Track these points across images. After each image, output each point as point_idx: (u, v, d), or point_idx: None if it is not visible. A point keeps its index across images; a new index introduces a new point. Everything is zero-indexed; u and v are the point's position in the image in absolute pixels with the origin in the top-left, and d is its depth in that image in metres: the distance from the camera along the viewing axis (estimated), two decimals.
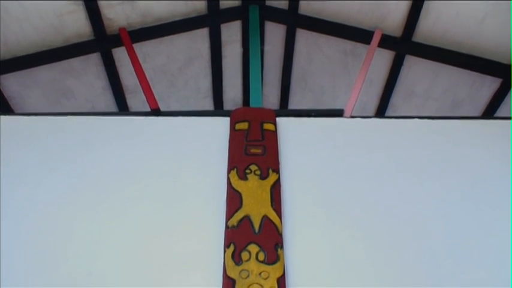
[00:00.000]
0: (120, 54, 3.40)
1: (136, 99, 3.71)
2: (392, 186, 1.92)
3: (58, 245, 1.71)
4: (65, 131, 2.12)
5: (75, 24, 3.13)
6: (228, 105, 4.08)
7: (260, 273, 1.57)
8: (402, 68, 3.53)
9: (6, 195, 1.84)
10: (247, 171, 1.86)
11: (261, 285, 1.54)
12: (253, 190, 1.80)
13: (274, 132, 2.04)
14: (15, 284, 1.59)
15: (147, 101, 2.52)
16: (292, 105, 4.08)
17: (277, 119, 2.14)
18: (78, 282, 1.61)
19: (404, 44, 3.40)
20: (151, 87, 2.71)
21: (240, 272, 1.57)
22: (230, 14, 3.58)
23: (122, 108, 3.70)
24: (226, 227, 1.70)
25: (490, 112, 3.46)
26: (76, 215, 1.80)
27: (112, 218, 1.79)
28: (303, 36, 3.68)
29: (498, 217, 1.84)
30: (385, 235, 1.76)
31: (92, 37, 3.25)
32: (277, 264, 1.60)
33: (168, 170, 1.94)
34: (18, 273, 1.63)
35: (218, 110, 3.98)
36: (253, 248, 1.63)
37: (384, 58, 3.50)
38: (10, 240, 1.71)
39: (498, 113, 3.42)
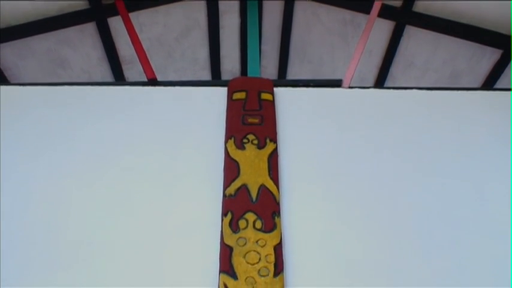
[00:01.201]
0: (116, 24, 3.34)
1: (133, 70, 3.67)
2: (389, 157, 1.92)
3: (56, 215, 1.72)
4: (62, 101, 2.10)
5: None
6: (225, 77, 4.04)
7: (257, 241, 1.59)
8: (402, 38, 3.49)
9: (4, 165, 1.84)
10: (245, 140, 1.86)
11: (258, 253, 1.56)
12: (251, 159, 1.80)
13: (272, 102, 2.03)
14: (15, 256, 1.60)
15: (144, 71, 2.49)
16: (291, 76, 4.04)
17: (275, 89, 2.13)
18: (78, 251, 1.63)
19: (404, 14, 3.35)
20: (148, 58, 2.68)
21: (237, 239, 1.59)
22: None
23: (119, 79, 3.67)
24: (224, 195, 1.71)
25: (489, 84, 3.44)
26: (74, 184, 1.80)
27: (110, 187, 1.80)
28: (301, 6, 3.63)
29: (497, 188, 1.85)
30: (382, 204, 1.77)
31: (86, 6, 3.19)
32: (274, 232, 1.61)
33: (165, 139, 1.94)
34: (18, 243, 1.64)
35: (216, 80, 3.94)
36: (250, 216, 1.64)
37: (383, 28, 3.45)
38: (9, 210, 1.72)
39: (498, 85, 3.40)
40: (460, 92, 2.31)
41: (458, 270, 1.64)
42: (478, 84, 3.51)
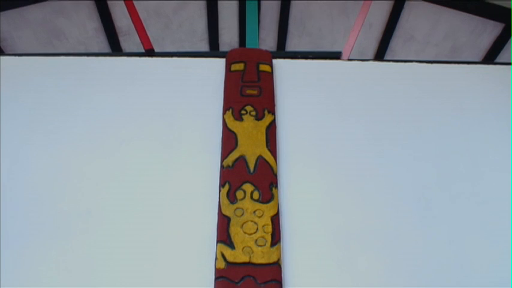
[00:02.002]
0: None
1: (129, 41, 3.63)
2: (387, 129, 1.91)
3: (54, 184, 1.72)
4: (59, 72, 2.08)
5: None
6: (224, 49, 4.00)
7: (254, 212, 1.60)
8: (402, 11, 3.45)
9: (2, 134, 1.83)
10: (243, 112, 1.85)
11: (255, 223, 1.57)
12: (249, 131, 1.79)
13: (271, 74, 2.01)
14: (14, 225, 1.61)
15: (141, 42, 2.45)
16: (290, 48, 4.00)
17: (274, 60, 2.10)
18: (78, 220, 1.63)
19: None
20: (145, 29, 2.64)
21: (235, 210, 1.60)
22: None
23: (115, 50, 3.63)
24: (222, 166, 1.71)
25: (490, 58, 3.41)
26: (71, 154, 1.80)
27: (107, 158, 1.79)
28: None
29: (496, 160, 1.86)
30: (379, 175, 1.78)
31: None
32: (272, 203, 1.62)
33: (163, 111, 1.92)
34: (17, 213, 1.65)
35: (214, 51, 3.90)
36: (248, 187, 1.65)
37: (384, 1, 3.40)
38: (7, 180, 1.72)
39: (499, 60, 3.38)
40: (460, 65, 2.29)
41: (454, 239, 1.65)
42: (478, 59, 3.49)
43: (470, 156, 1.87)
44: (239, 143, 1.76)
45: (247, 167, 1.70)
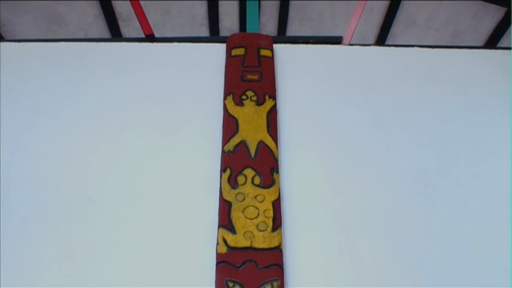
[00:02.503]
0: None
1: (129, 27, 3.61)
2: (389, 114, 1.91)
3: (55, 170, 1.72)
4: (59, 58, 2.07)
5: None
6: (224, 34, 3.98)
7: (256, 196, 1.60)
8: None
9: (2, 121, 1.83)
10: (244, 97, 1.84)
11: (256, 208, 1.58)
12: (250, 116, 1.79)
13: (271, 59, 2.00)
14: (16, 210, 1.62)
15: (141, 27, 2.45)
16: (290, 34, 3.98)
17: (275, 45, 2.09)
18: (80, 206, 1.64)
19: None
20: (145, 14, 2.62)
21: (236, 195, 1.61)
22: None
23: (115, 36, 3.61)
24: (223, 151, 1.71)
25: (492, 43, 3.39)
26: (72, 140, 1.80)
27: (107, 144, 1.79)
28: None
29: (497, 145, 1.86)
30: (380, 160, 1.78)
31: None
32: (273, 188, 1.63)
33: (163, 96, 1.92)
34: (20, 198, 1.65)
35: (214, 36, 3.88)
36: (249, 172, 1.65)
37: None
38: (8, 166, 1.72)
39: (500, 44, 3.36)
40: (461, 50, 2.28)
41: (455, 223, 1.66)
42: (480, 43, 3.47)
43: (472, 140, 1.87)
44: (240, 128, 1.76)
45: (248, 152, 1.70)
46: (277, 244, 1.52)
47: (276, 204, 1.60)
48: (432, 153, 1.82)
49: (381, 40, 3.72)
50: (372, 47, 2.24)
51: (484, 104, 2.00)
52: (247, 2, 2.60)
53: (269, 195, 1.61)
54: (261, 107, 1.82)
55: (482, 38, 3.50)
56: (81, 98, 1.92)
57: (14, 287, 1.48)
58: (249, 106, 1.82)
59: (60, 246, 1.56)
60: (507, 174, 1.79)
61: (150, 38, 2.39)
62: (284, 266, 1.50)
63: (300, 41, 2.21)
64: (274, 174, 1.66)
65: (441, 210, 1.68)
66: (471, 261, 1.58)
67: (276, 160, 1.70)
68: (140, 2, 2.71)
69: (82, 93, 1.93)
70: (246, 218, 1.56)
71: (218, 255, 1.50)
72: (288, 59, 2.07)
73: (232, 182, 1.63)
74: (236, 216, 1.56)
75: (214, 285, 1.45)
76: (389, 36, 3.72)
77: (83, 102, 1.90)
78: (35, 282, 1.49)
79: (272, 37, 2.12)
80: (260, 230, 1.54)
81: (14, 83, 1.96)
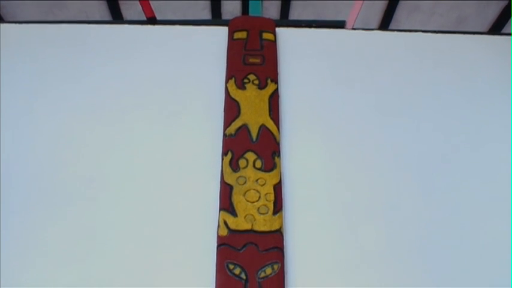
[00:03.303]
0: None
1: (131, 10, 3.58)
2: (391, 99, 1.91)
3: (56, 152, 1.73)
4: (59, 40, 2.06)
5: None
6: (226, 17, 3.94)
7: (257, 180, 1.61)
8: None
9: (4, 102, 1.82)
10: (246, 80, 1.84)
11: (257, 191, 1.58)
12: (251, 99, 1.78)
13: (274, 42, 1.98)
14: (16, 191, 1.62)
15: (143, 9, 2.43)
16: (293, 18, 3.94)
17: (277, 29, 2.08)
18: (80, 188, 1.64)
19: None
20: None
21: (237, 178, 1.61)
22: None
23: (117, 18, 3.58)
24: (224, 135, 1.71)
25: (497, 29, 3.37)
26: (74, 123, 1.80)
27: (109, 126, 1.79)
28: None
29: (501, 133, 1.85)
30: (383, 145, 1.78)
31: None
32: (274, 172, 1.63)
33: (165, 79, 1.91)
34: (19, 179, 1.66)
35: (216, 19, 3.84)
36: (250, 156, 1.65)
37: None
38: (8, 147, 1.72)
39: (505, 31, 3.33)
40: (465, 35, 2.26)
41: (457, 209, 1.66)
42: (484, 30, 3.44)
43: (476, 126, 1.87)
44: (242, 111, 1.75)
45: (250, 135, 1.70)
46: (278, 227, 1.53)
47: (277, 188, 1.60)
48: (435, 138, 1.82)
49: (384, 25, 3.69)
50: (375, 31, 2.23)
51: (488, 90, 1.99)
52: None
53: (270, 178, 1.61)
54: (263, 91, 1.81)
55: (486, 24, 3.47)
56: (81, 80, 1.91)
57: (12, 268, 1.49)
58: (251, 90, 1.81)
59: (60, 227, 1.56)
60: (506, 161, 1.79)
61: (152, 20, 2.37)
62: (285, 249, 1.51)
63: (303, 25, 2.19)
64: (276, 158, 1.66)
65: (444, 196, 1.68)
66: (475, 247, 1.59)
67: (278, 144, 1.70)
68: None
69: (82, 76, 1.92)
70: (247, 201, 1.57)
71: (219, 237, 1.50)
72: (290, 42, 2.05)
73: (234, 165, 1.63)
74: (237, 199, 1.57)
75: (215, 267, 1.46)
76: (392, 22, 3.68)
77: (83, 85, 1.90)
78: (33, 263, 1.50)
79: (275, 21, 2.10)
80: (261, 213, 1.55)
81: (14, 65, 1.95)
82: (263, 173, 1.62)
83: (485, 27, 3.44)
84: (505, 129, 1.87)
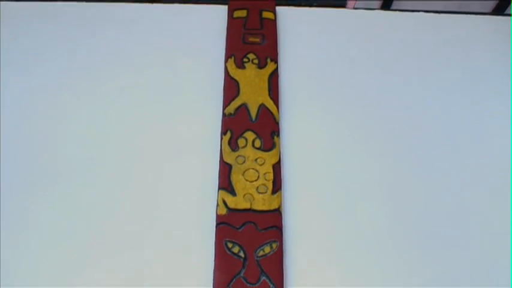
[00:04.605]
0: None
1: None
2: (392, 78, 1.90)
3: (55, 131, 1.73)
4: (58, 18, 2.04)
5: None
6: None
7: (256, 159, 1.60)
8: None
9: (2, 83, 1.82)
10: (245, 59, 1.83)
11: (256, 171, 1.58)
12: (251, 79, 1.77)
13: (274, 21, 1.96)
14: (13, 168, 1.62)
15: None
16: None
17: (277, 8, 2.06)
18: (77, 169, 1.64)
19: None
20: None
21: (237, 157, 1.61)
22: None
23: None
24: (223, 114, 1.70)
25: (500, 11, 3.31)
26: (71, 102, 1.79)
27: (108, 105, 1.79)
28: None
29: (503, 113, 1.84)
30: (383, 125, 1.77)
31: None
32: (273, 151, 1.63)
33: (164, 58, 1.90)
34: (18, 158, 1.66)
35: None
36: (249, 135, 1.65)
37: None
38: (6, 126, 1.72)
39: (508, 12, 3.28)
40: (468, 15, 2.24)
41: (458, 188, 1.66)
42: (488, 10, 3.39)
43: (476, 107, 1.86)
44: (241, 91, 1.74)
45: (249, 115, 1.69)
46: (276, 206, 1.53)
47: (276, 167, 1.60)
48: (436, 118, 1.81)
49: (386, 6, 3.64)
50: (377, 11, 2.20)
51: (489, 71, 1.98)
52: None
53: (269, 158, 1.61)
54: (263, 70, 1.80)
55: (489, 6, 3.42)
56: (80, 58, 1.90)
57: (11, 247, 1.49)
58: (251, 69, 1.80)
59: (58, 206, 1.57)
60: (506, 138, 1.79)
61: None
62: (283, 228, 1.52)
63: (303, 3, 2.16)
64: (275, 137, 1.66)
65: (444, 177, 1.68)
66: (476, 228, 1.59)
67: (277, 123, 1.69)
68: None
69: (81, 54, 1.91)
70: (246, 180, 1.57)
71: (218, 216, 1.51)
72: (290, 21, 2.04)
73: (233, 145, 1.63)
74: (236, 178, 1.57)
75: (214, 245, 1.47)
76: (394, 2, 3.63)
77: (82, 63, 1.89)
78: (32, 243, 1.50)
79: None
80: (260, 193, 1.55)
81: (13, 43, 1.94)
82: (262, 153, 1.62)
83: (490, 7, 3.39)
84: (508, 109, 1.86)
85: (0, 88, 1.80)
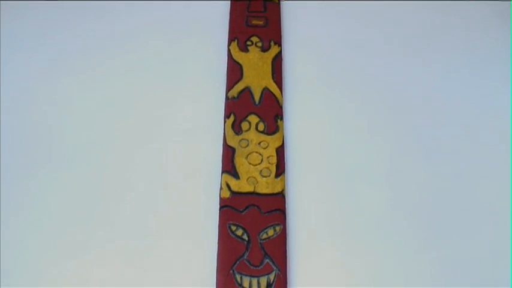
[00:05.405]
0: None
1: None
2: (396, 58, 1.88)
3: (58, 114, 1.72)
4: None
5: None
6: None
7: (259, 143, 1.60)
8: None
9: (3, 63, 1.81)
10: (248, 42, 1.82)
11: (260, 154, 1.58)
12: (254, 62, 1.77)
13: (277, 4, 1.95)
14: (13, 152, 1.62)
15: None
16: None
17: None
18: (78, 151, 1.64)
19: None
20: None
21: (240, 141, 1.61)
22: None
23: None
24: (227, 98, 1.70)
25: None
26: (74, 84, 1.79)
27: (110, 90, 1.78)
28: None
29: (502, 94, 1.83)
30: (387, 108, 1.76)
31: None
32: (277, 135, 1.62)
33: (167, 40, 1.89)
34: (19, 142, 1.66)
35: None
36: (253, 119, 1.65)
37: None
38: (8, 109, 1.72)
39: None
40: (470, 1, 2.21)
41: (461, 169, 1.66)
42: None
43: (480, 89, 1.84)
44: (244, 74, 1.74)
45: (253, 98, 1.69)
46: (280, 190, 1.53)
47: (280, 151, 1.60)
48: (438, 102, 1.80)
49: None
50: None
51: (491, 53, 1.96)
52: None
53: (273, 141, 1.61)
54: (266, 53, 1.79)
55: None
56: (82, 40, 1.89)
57: (11, 228, 1.50)
58: (254, 52, 1.79)
59: (61, 191, 1.56)
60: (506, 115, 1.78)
61: None
62: (287, 212, 1.52)
63: None
64: (278, 120, 1.65)
65: (447, 159, 1.67)
66: (475, 207, 1.59)
67: (281, 107, 1.69)
68: None
69: (83, 35, 1.90)
70: (250, 163, 1.57)
71: (221, 199, 1.51)
72: (294, 4, 2.01)
73: (236, 128, 1.63)
74: (239, 162, 1.57)
75: (217, 228, 1.47)
76: None
77: (84, 45, 1.88)
78: (35, 224, 1.51)
79: None
80: (263, 176, 1.55)
81: (13, 24, 1.92)
82: (266, 136, 1.62)
83: None
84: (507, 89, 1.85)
85: (0, 71, 1.79)
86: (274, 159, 1.58)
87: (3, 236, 1.47)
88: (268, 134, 1.62)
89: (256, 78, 1.73)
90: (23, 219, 1.51)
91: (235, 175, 1.55)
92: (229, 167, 1.56)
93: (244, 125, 1.63)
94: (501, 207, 1.59)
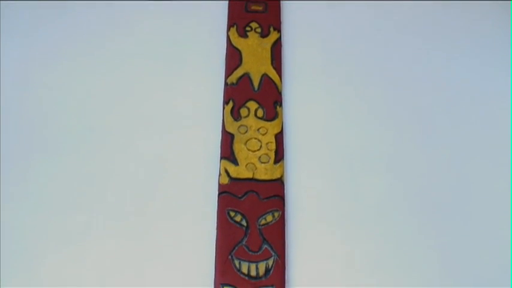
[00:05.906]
0: None
1: None
2: (396, 51, 1.87)
3: (57, 100, 1.72)
4: None
5: None
6: None
7: (258, 129, 1.60)
8: None
9: (3, 52, 1.80)
10: (248, 28, 1.80)
11: (259, 140, 1.58)
12: (254, 48, 1.76)
13: None
14: (15, 139, 1.62)
15: None
16: None
17: None
18: (79, 136, 1.64)
19: None
20: None
21: (239, 127, 1.60)
22: None
23: None
24: (226, 84, 1.69)
25: None
26: (73, 70, 1.78)
27: (111, 75, 1.77)
28: None
29: (501, 78, 1.83)
30: (385, 97, 1.76)
31: None
32: (276, 121, 1.62)
33: (165, 26, 1.87)
34: (18, 128, 1.65)
35: None
36: (252, 105, 1.64)
37: None
38: (8, 95, 1.71)
39: None
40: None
41: (460, 159, 1.66)
42: None
43: (479, 74, 1.84)
44: (243, 60, 1.73)
45: (252, 84, 1.68)
46: (278, 176, 1.53)
47: (279, 137, 1.60)
48: (437, 88, 1.79)
49: None
50: None
51: (491, 38, 1.95)
52: None
53: (272, 128, 1.61)
54: (265, 39, 1.78)
55: None
56: (82, 27, 1.88)
57: (12, 213, 1.50)
58: (253, 38, 1.78)
59: (60, 175, 1.57)
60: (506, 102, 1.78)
61: None
62: (285, 198, 1.52)
63: None
64: (278, 107, 1.65)
65: (448, 145, 1.67)
66: (475, 193, 1.60)
67: (280, 93, 1.68)
68: None
69: (83, 23, 1.88)
70: (249, 150, 1.57)
71: (220, 185, 1.52)
72: None
73: (235, 114, 1.63)
74: (238, 148, 1.57)
75: (216, 214, 1.48)
76: None
77: (83, 32, 1.86)
78: (34, 209, 1.51)
79: None
80: (262, 162, 1.55)
81: (15, 12, 1.91)
82: (265, 122, 1.61)
83: None
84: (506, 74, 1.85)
85: (0, 56, 1.78)
86: (273, 146, 1.58)
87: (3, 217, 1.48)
88: (267, 120, 1.62)
89: (256, 64, 1.72)
90: (19, 212, 1.51)
91: (234, 161, 1.55)
92: (228, 153, 1.56)
93: (243, 111, 1.63)
94: (502, 192, 1.60)
